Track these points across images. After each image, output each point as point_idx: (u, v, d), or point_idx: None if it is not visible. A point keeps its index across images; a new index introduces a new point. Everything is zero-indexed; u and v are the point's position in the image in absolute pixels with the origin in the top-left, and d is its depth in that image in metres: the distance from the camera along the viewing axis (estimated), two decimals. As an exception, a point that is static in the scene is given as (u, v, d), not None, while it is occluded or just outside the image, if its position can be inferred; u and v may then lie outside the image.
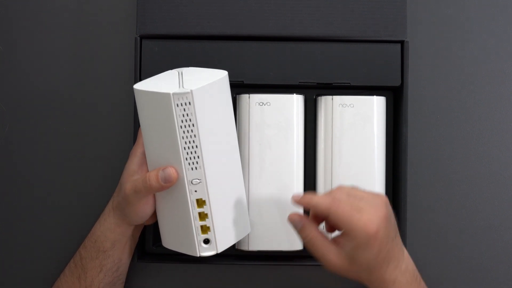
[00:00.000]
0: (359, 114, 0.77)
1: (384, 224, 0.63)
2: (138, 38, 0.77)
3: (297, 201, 0.66)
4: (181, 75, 0.70)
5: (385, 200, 0.66)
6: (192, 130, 0.66)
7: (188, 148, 0.66)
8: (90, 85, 0.82)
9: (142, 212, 0.71)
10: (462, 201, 0.83)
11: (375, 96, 0.78)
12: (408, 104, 0.78)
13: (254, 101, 0.77)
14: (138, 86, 0.68)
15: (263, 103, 0.77)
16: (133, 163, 0.71)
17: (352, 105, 0.77)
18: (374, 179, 0.78)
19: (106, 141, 0.82)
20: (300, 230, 0.67)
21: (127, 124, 0.81)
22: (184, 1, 0.77)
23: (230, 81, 0.74)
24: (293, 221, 0.67)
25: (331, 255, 0.65)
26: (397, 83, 0.78)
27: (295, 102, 0.77)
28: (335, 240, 0.66)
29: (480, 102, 0.83)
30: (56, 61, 0.82)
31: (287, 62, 0.77)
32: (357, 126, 0.77)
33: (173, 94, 0.64)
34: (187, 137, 0.66)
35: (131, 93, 0.78)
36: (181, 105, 0.65)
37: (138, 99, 0.69)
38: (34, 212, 0.82)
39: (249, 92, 0.77)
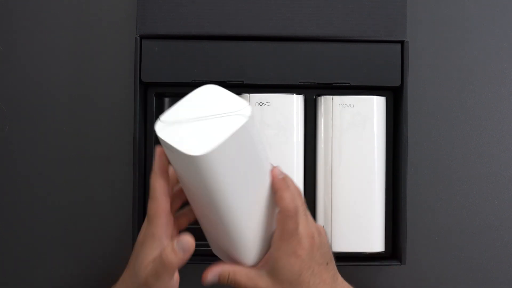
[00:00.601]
0: (359, 114, 0.77)
1: (306, 245, 0.65)
2: (138, 38, 0.77)
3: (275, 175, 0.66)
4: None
5: (320, 228, 0.68)
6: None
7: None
8: (90, 85, 0.82)
9: None
10: (462, 201, 0.83)
11: (375, 96, 0.78)
12: (408, 104, 0.78)
13: (254, 101, 0.77)
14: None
15: (263, 103, 0.77)
16: (152, 248, 0.63)
17: (352, 105, 0.77)
18: (374, 179, 0.78)
19: (106, 141, 0.82)
20: (220, 279, 0.66)
21: (127, 124, 0.81)
22: (184, 1, 0.77)
23: (230, 81, 0.74)
24: (208, 278, 0.66)
25: (255, 279, 0.66)
26: (397, 83, 0.78)
27: (295, 102, 0.77)
28: (259, 265, 0.68)
29: (480, 102, 0.83)
30: (56, 61, 0.82)
31: (287, 62, 0.77)
32: (357, 126, 0.77)
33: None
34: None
35: (131, 93, 0.79)
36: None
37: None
38: (34, 212, 0.82)
39: (249, 92, 0.77)
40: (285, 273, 0.65)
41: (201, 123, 0.61)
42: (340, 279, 0.69)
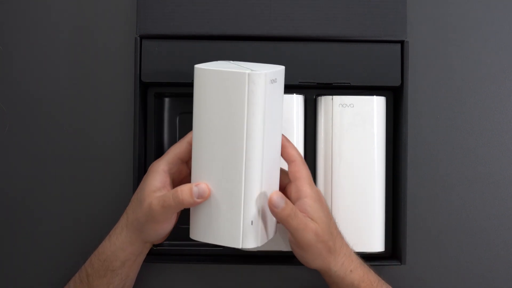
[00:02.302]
0: (359, 114, 0.77)
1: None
2: (138, 38, 0.77)
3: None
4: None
5: None
6: None
7: None
8: (90, 85, 0.82)
9: (163, 230, 0.69)
10: (462, 201, 0.83)
11: (375, 96, 0.78)
12: (408, 104, 0.78)
13: (254, 101, 0.77)
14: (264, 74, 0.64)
15: (263, 103, 0.77)
16: (155, 179, 0.68)
17: (352, 105, 0.77)
18: (374, 179, 0.78)
19: (106, 141, 0.82)
20: (284, 209, 0.65)
21: (127, 124, 0.81)
22: (184, 1, 0.77)
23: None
24: (275, 200, 0.65)
25: (312, 223, 0.67)
26: (397, 83, 0.78)
27: (295, 102, 0.77)
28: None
29: (480, 102, 0.83)
30: (56, 61, 0.82)
31: (287, 62, 0.77)
32: (357, 126, 0.77)
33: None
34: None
35: (131, 93, 0.79)
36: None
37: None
38: (34, 212, 0.82)
39: (249, 92, 0.77)
40: (323, 216, 0.69)
41: (241, 66, 0.67)
42: None
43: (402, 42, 0.78)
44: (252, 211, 0.66)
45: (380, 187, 0.78)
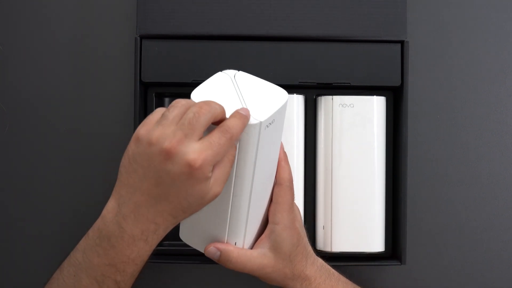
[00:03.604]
0: (359, 114, 0.77)
1: (299, 217, 0.70)
2: (138, 38, 0.77)
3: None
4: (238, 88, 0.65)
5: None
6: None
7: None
8: (90, 85, 0.82)
9: None
10: (462, 201, 0.83)
11: (375, 96, 0.78)
12: (408, 104, 0.78)
13: (254, 101, 0.77)
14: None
15: (263, 103, 0.77)
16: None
17: (352, 105, 0.77)
18: (374, 179, 0.78)
19: (106, 141, 0.82)
20: (220, 257, 0.67)
21: (127, 124, 0.81)
22: (184, 1, 0.77)
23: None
24: (210, 252, 0.67)
25: (259, 258, 0.67)
26: (397, 83, 0.78)
27: (295, 102, 0.77)
28: (256, 245, 0.69)
29: (480, 102, 0.83)
30: (56, 61, 0.82)
31: (287, 62, 0.77)
32: (357, 126, 0.77)
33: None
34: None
35: (131, 93, 0.79)
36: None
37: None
38: (34, 212, 0.82)
39: (249, 92, 0.77)
40: (286, 245, 0.67)
41: (240, 95, 0.63)
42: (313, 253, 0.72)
43: (402, 42, 0.78)
44: (237, 233, 0.67)
45: (380, 187, 0.78)
